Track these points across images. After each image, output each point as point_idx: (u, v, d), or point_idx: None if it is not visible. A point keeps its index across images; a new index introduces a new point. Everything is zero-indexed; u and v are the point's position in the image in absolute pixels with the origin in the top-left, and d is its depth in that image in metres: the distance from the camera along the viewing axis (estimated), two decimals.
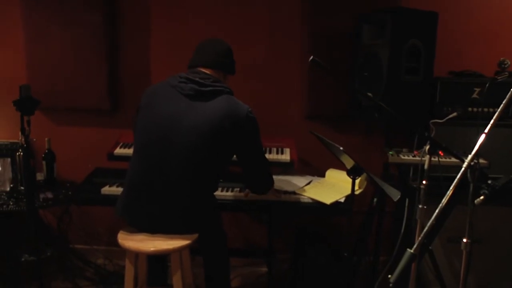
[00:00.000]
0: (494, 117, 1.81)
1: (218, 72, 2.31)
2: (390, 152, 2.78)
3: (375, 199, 2.94)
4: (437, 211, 1.79)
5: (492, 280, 3.10)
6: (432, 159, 2.17)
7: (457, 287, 3.05)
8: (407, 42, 2.78)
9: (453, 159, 2.52)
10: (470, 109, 3.03)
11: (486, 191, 2.05)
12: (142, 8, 3.32)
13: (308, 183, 2.83)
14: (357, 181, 2.55)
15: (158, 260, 2.72)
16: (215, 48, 2.32)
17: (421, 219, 2.16)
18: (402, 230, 2.45)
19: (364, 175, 2.33)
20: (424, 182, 2.13)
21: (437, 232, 2.96)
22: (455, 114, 2.60)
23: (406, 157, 2.74)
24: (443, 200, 1.74)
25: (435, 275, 2.98)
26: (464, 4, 3.34)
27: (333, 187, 2.74)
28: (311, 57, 1.88)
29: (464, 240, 1.92)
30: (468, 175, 1.85)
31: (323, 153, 2.71)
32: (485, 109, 2.99)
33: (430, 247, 2.99)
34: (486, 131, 1.81)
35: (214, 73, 2.28)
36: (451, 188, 1.74)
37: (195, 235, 2.19)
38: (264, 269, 3.42)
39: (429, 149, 2.10)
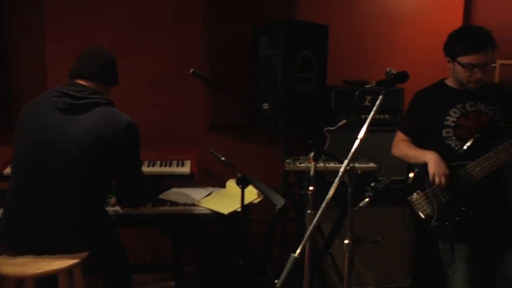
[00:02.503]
0: (366, 123, 1.91)
1: (99, 84, 2.24)
2: (287, 160, 2.86)
3: (278, 207, 3.01)
4: (317, 214, 1.84)
5: (390, 276, 3.27)
6: (319, 165, 2.25)
7: (359, 286, 3.22)
8: (299, 53, 2.89)
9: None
10: (363, 116, 3.20)
11: (370, 193, 2.15)
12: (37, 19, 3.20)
13: (209, 194, 2.85)
14: (256, 190, 2.61)
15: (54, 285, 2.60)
16: (95, 59, 2.25)
17: (310, 224, 2.23)
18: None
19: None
20: (311, 188, 2.20)
21: (336, 235, 3.08)
22: (345, 121, 2.72)
23: (301, 165, 2.83)
24: (323, 204, 1.81)
25: (337, 275, 3.11)
26: (355, 17, 3.54)
27: (233, 197, 2.76)
28: (192, 70, 1.90)
29: (346, 241, 1.99)
30: (346, 179, 1.93)
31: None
32: (377, 116, 3.17)
33: (330, 250, 3.12)
34: (360, 136, 1.91)
35: (93, 85, 2.21)
36: (330, 192, 1.82)
37: (85, 253, 2.11)
38: (173, 283, 3.39)
39: (313, 156, 2.18)
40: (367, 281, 3.26)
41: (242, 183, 2.21)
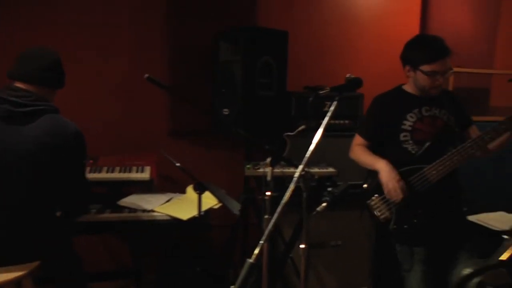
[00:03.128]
0: (320, 129, 1.92)
1: (42, 88, 2.09)
2: (247, 166, 2.87)
3: (238, 212, 3.00)
4: (273, 220, 1.84)
5: (351, 279, 3.31)
6: (276, 170, 2.26)
7: None
8: (259, 59, 2.91)
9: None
10: (323, 121, 3.23)
11: (327, 198, 2.16)
12: None
13: (168, 200, 2.82)
14: None
15: None
16: (38, 60, 2.09)
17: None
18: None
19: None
20: (268, 193, 2.21)
21: (297, 240, 3.09)
22: (303, 127, 2.75)
23: (260, 170, 2.84)
24: (278, 209, 1.81)
25: (299, 279, 3.13)
26: (316, 23, 3.59)
27: (192, 202, 2.73)
28: (146, 75, 1.88)
29: (302, 246, 2.00)
30: (301, 184, 1.94)
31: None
32: (337, 121, 3.22)
33: (291, 255, 3.13)
34: (314, 142, 1.92)
35: (35, 89, 2.06)
36: (285, 197, 1.82)
37: (35, 264, 2.05)
38: None
39: (270, 161, 2.19)
40: (329, 284, 3.29)
41: (199, 189, 2.20)
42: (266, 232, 1.82)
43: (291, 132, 2.81)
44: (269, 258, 2.37)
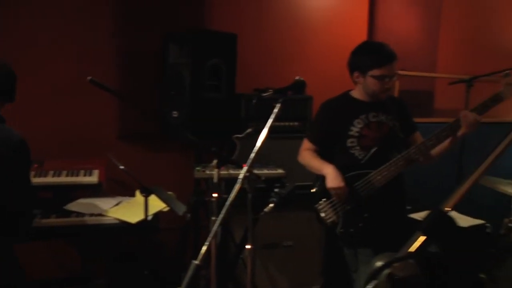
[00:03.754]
0: (264, 131, 1.96)
1: None
2: (197, 168, 2.87)
3: (188, 215, 3.00)
4: (217, 221, 1.86)
5: (303, 279, 3.37)
6: (224, 172, 2.28)
7: None
8: (208, 61, 2.93)
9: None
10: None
11: (274, 199, 2.20)
12: None
13: (117, 204, 2.79)
14: None
15: None
16: None
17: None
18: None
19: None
20: (214, 195, 2.23)
21: (247, 241, 3.12)
22: (250, 130, 2.78)
23: (208, 172, 2.86)
24: (223, 210, 1.83)
25: (250, 280, 3.15)
26: (265, 26, 3.64)
27: (141, 205, 2.71)
28: (89, 78, 1.87)
29: (248, 246, 2.03)
30: (246, 185, 1.96)
31: (136, 173, 2.71)
32: (286, 123, 3.28)
33: (241, 256, 3.16)
34: (258, 144, 1.94)
35: None
36: (229, 198, 1.84)
37: None
38: None
39: (216, 163, 2.21)
40: (281, 285, 3.34)
41: (144, 192, 2.19)
42: (212, 233, 1.85)
43: (240, 134, 2.85)
44: (220, 260, 2.39)
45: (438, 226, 0.79)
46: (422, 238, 0.79)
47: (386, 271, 1.13)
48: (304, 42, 3.79)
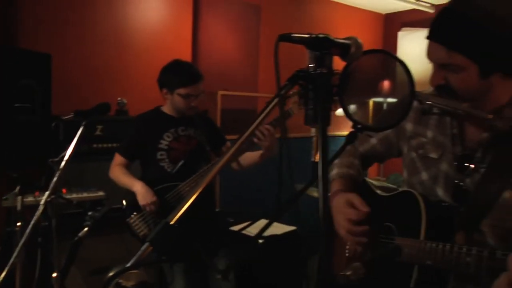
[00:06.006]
0: (67, 153, 1.94)
1: None
2: (4, 198, 2.68)
3: None
4: (17, 250, 1.79)
5: None
6: (30, 199, 2.18)
7: None
8: (18, 82, 2.76)
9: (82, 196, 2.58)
10: (95, 145, 3.22)
11: (88, 223, 2.16)
12: None
13: None
14: None
15: None
16: None
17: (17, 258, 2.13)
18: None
19: None
20: (18, 224, 2.12)
21: (70, 267, 2.99)
22: (64, 153, 2.69)
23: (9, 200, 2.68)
24: (22, 240, 1.76)
25: None
26: (84, 46, 3.58)
27: None
28: None
29: (54, 274, 1.97)
30: (48, 210, 1.91)
31: None
32: (106, 145, 3.24)
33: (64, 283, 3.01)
34: (61, 167, 1.91)
35: None
36: (31, 224, 1.78)
37: None
38: None
39: (19, 190, 2.10)
40: None
41: None
42: (10, 262, 1.76)
43: (56, 158, 2.73)
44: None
45: (164, 237, 0.89)
46: (148, 247, 0.87)
47: (116, 281, 1.20)
48: (129, 62, 3.80)
